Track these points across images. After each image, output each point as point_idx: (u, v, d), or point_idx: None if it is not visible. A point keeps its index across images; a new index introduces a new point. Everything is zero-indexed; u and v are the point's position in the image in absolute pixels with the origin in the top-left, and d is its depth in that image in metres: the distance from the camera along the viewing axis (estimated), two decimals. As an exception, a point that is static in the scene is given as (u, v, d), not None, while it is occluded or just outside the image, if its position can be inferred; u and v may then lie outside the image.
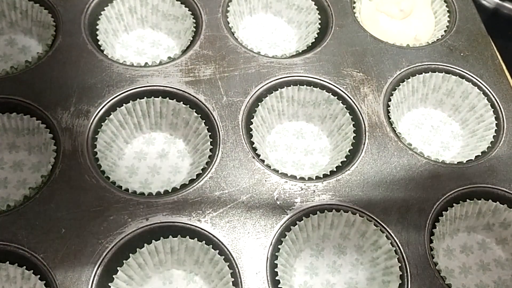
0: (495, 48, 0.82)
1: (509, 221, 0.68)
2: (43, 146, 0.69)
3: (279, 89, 0.74)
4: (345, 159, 0.70)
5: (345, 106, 0.73)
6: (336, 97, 0.74)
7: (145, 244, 0.61)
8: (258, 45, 0.83)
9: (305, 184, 0.67)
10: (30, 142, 0.70)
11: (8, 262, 0.59)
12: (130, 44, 0.81)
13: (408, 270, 0.62)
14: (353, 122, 0.72)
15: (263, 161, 0.68)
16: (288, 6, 0.85)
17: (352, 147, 0.70)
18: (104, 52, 0.76)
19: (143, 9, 0.81)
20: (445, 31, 0.83)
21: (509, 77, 0.80)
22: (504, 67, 0.80)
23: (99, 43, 0.76)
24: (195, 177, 0.67)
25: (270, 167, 0.68)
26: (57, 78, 0.71)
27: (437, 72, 0.77)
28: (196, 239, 0.62)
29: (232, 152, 0.68)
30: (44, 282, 0.59)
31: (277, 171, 0.69)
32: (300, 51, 0.79)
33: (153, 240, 0.62)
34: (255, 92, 0.73)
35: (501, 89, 0.77)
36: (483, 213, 0.69)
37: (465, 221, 0.70)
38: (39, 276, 0.59)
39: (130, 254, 0.61)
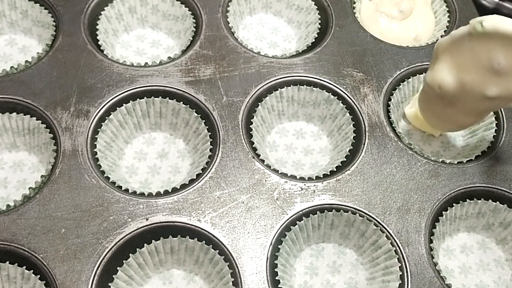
0: (495, 48, 0.82)
1: (509, 221, 0.68)
2: (43, 146, 0.69)
3: (279, 89, 0.74)
4: (345, 159, 0.70)
5: (345, 106, 0.73)
6: (336, 97, 0.74)
7: (145, 244, 0.61)
8: (258, 45, 0.83)
9: (305, 184, 0.67)
10: (30, 142, 0.70)
11: (8, 262, 0.59)
12: (130, 44, 0.81)
13: (408, 270, 0.63)
14: (353, 122, 0.72)
15: (263, 161, 0.68)
16: (288, 6, 0.85)
17: (352, 147, 0.71)
18: (104, 52, 0.76)
19: (143, 9, 0.81)
20: (445, 31, 0.83)
21: (509, 77, 0.80)
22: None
23: (99, 43, 0.76)
24: (195, 177, 0.67)
25: (270, 167, 0.68)
26: (57, 78, 0.71)
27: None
28: (196, 239, 0.62)
29: (232, 152, 0.68)
30: (44, 282, 0.59)
31: (277, 171, 0.69)
32: (300, 51, 0.79)
33: (153, 240, 0.62)
34: (255, 92, 0.73)
35: (501, 89, 0.77)
36: (483, 213, 0.69)
37: (465, 221, 0.70)
38: (39, 276, 0.59)
39: (130, 254, 0.61)
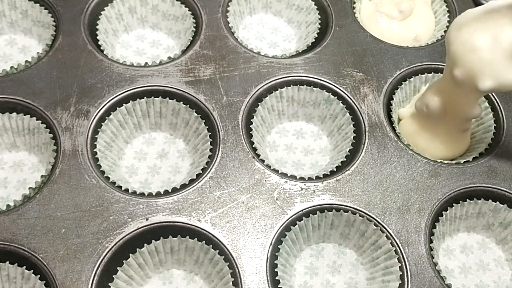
0: (495, 48, 0.82)
1: (509, 221, 0.68)
2: (43, 146, 0.69)
3: (279, 89, 0.74)
4: (345, 159, 0.70)
5: (345, 106, 0.73)
6: (336, 97, 0.74)
7: (145, 244, 0.61)
8: (258, 45, 0.83)
9: (305, 184, 0.67)
10: (30, 142, 0.70)
11: (8, 262, 0.59)
12: (130, 44, 0.81)
13: (408, 270, 0.63)
14: (353, 122, 0.72)
15: (263, 161, 0.68)
16: (288, 6, 0.85)
17: (352, 147, 0.71)
18: (104, 52, 0.76)
19: (143, 9, 0.81)
20: (445, 31, 0.83)
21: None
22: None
23: (99, 43, 0.76)
24: (195, 177, 0.67)
25: (270, 167, 0.68)
26: (57, 78, 0.71)
27: (439, 73, 0.77)
28: (196, 239, 0.62)
29: (232, 152, 0.68)
30: (44, 282, 0.59)
31: (277, 171, 0.69)
32: (300, 51, 0.79)
33: (153, 240, 0.62)
34: (255, 92, 0.73)
35: (501, 89, 0.77)
36: (483, 213, 0.69)
37: (465, 221, 0.70)
38: (39, 276, 0.59)
39: (130, 254, 0.61)
